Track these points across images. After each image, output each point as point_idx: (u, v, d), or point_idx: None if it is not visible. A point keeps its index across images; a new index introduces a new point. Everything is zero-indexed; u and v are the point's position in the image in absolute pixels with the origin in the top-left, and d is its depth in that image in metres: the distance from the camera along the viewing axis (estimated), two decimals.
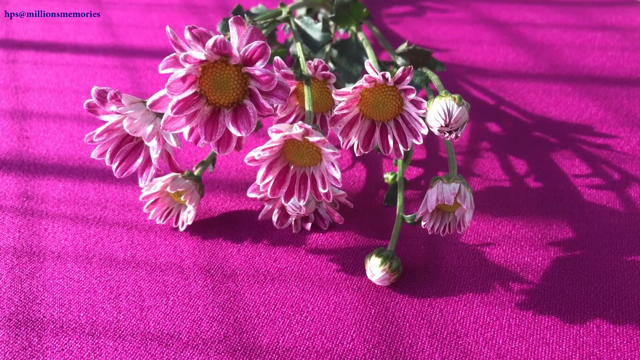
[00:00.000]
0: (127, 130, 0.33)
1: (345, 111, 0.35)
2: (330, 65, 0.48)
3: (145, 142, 0.35)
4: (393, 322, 0.35)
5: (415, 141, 0.34)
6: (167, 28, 0.30)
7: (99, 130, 0.35)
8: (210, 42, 0.29)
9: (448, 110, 0.33)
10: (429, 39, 0.63)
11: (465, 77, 0.57)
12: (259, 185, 0.34)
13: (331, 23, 0.48)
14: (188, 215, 0.40)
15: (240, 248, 0.40)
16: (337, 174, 0.32)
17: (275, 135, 0.32)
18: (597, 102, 0.53)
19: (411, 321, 0.35)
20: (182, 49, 0.30)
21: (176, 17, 0.67)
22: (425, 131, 0.34)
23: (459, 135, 0.34)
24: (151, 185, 0.39)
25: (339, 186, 0.32)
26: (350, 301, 0.36)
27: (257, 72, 0.30)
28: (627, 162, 0.46)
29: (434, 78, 0.39)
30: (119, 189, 0.44)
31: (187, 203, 0.39)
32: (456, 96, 0.33)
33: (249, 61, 0.31)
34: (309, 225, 0.41)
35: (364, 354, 0.33)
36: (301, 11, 0.57)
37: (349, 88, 0.34)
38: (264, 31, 0.40)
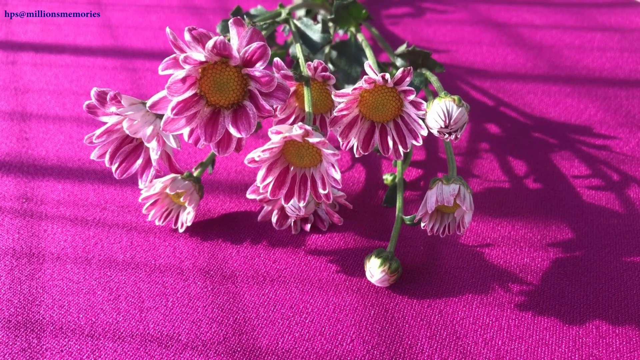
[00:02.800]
0: (127, 132, 0.33)
1: (344, 112, 0.35)
2: (330, 66, 0.48)
3: (145, 143, 0.35)
4: (392, 323, 0.35)
5: (414, 142, 0.34)
6: (167, 29, 0.30)
7: (98, 131, 0.35)
8: (210, 44, 0.29)
9: (447, 112, 0.33)
10: (428, 40, 0.63)
11: (464, 78, 0.57)
12: (258, 187, 0.34)
13: (330, 24, 0.48)
14: (187, 217, 0.40)
15: (239, 249, 0.40)
16: (337, 175, 0.32)
17: (275, 137, 0.32)
18: (596, 103, 0.53)
19: (410, 322, 0.35)
20: (182, 50, 0.30)
21: (176, 18, 0.67)
22: (424, 132, 0.34)
23: (458, 136, 0.34)
24: (151, 187, 0.39)
25: (339, 187, 0.32)
26: (350, 302, 0.36)
27: (257, 74, 0.30)
28: (626, 163, 0.46)
29: (434, 79, 0.39)
30: (118, 191, 0.44)
31: (186, 204, 0.39)
32: (456, 97, 0.33)
33: (248, 62, 0.31)
34: (308, 227, 0.41)
35: (363, 355, 0.33)
36: (300, 12, 0.57)
37: (348, 89, 0.34)
38: (263, 32, 0.40)
